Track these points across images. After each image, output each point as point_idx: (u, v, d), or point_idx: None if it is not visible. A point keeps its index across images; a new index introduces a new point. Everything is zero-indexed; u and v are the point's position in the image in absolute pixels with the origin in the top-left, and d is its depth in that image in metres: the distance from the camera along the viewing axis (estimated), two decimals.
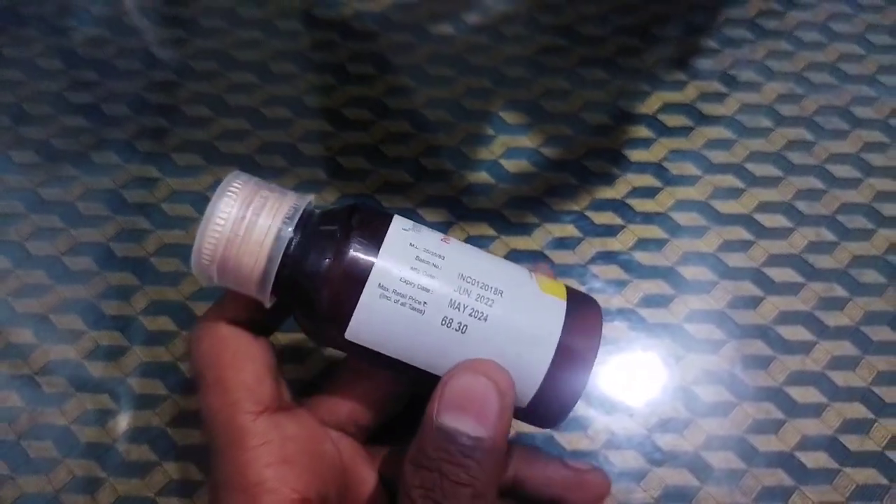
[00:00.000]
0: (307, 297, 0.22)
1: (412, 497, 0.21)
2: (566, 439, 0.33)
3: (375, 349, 0.22)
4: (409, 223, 0.23)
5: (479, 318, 0.22)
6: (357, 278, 0.22)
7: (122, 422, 0.33)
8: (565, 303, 0.23)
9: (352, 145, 0.39)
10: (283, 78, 0.42)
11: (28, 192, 0.38)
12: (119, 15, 0.44)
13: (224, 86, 0.42)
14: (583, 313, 0.23)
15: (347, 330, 0.22)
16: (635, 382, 0.34)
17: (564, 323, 0.23)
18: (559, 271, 0.36)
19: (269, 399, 0.23)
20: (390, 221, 0.23)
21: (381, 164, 0.39)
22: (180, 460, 0.32)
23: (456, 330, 0.22)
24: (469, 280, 0.22)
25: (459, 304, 0.22)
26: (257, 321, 0.25)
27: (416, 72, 0.42)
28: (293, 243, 0.22)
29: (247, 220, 0.22)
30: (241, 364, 0.24)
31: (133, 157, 0.39)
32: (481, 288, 0.22)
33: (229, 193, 0.22)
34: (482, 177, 0.39)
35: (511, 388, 0.22)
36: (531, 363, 0.22)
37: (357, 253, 0.22)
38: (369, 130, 0.40)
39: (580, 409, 0.33)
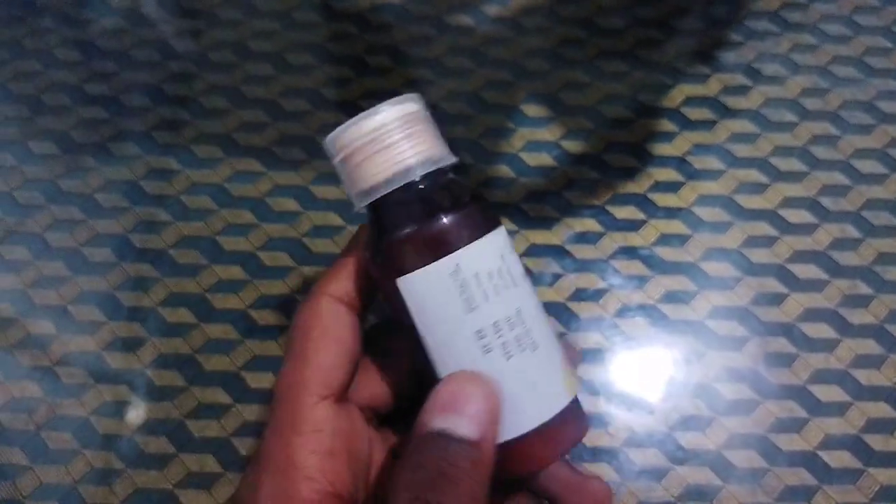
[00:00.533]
0: (392, 230, 0.23)
1: (402, 499, 0.20)
2: (587, 436, 0.33)
3: (410, 310, 0.22)
4: (509, 238, 0.24)
5: (504, 354, 0.22)
6: (446, 244, 0.22)
7: (141, 413, 0.33)
8: (570, 400, 0.24)
9: None
10: (300, 69, 0.42)
11: (47, 184, 0.38)
12: (136, 6, 0.44)
13: (241, 77, 0.41)
14: (574, 421, 0.24)
15: (404, 278, 0.22)
16: (657, 379, 0.34)
17: (557, 414, 0.23)
18: (579, 266, 0.36)
19: (337, 387, 0.23)
20: (498, 225, 0.24)
21: None
22: (198, 452, 0.32)
23: (481, 347, 0.22)
24: (520, 318, 0.23)
25: (500, 330, 0.22)
26: (356, 296, 0.25)
27: (434, 64, 0.41)
28: (416, 185, 0.23)
29: (394, 139, 0.22)
30: (326, 344, 0.24)
31: (152, 148, 0.39)
32: (525, 332, 0.23)
33: (399, 109, 0.23)
34: (502, 170, 0.38)
35: (498, 401, 0.22)
36: (511, 423, 0.23)
37: (461, 224, 0.22)
38: None
39: (601, 405, 0.33)
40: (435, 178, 0.23)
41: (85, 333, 0.35)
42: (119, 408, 0.33)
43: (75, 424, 0.33)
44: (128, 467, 0.32)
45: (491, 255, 0.23)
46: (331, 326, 0.24)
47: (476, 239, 0.22)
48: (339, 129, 0.23)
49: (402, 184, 0.22)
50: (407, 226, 0.22)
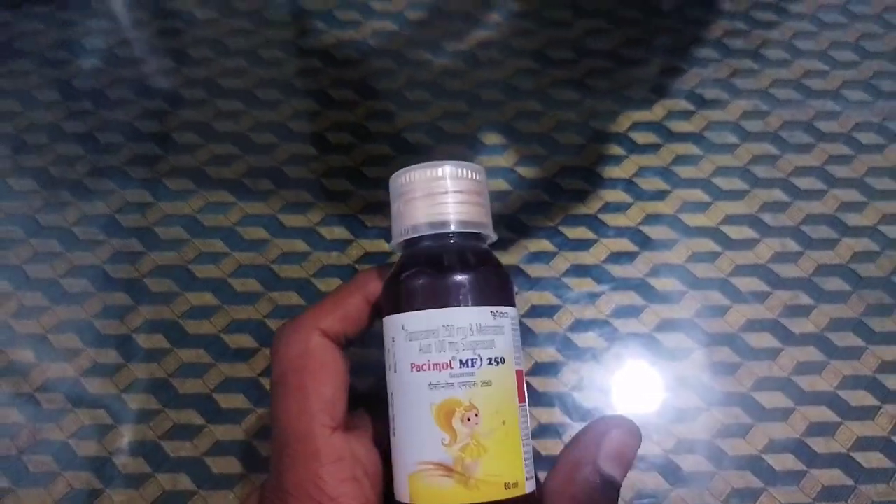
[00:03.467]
0: (408, 269, 0.25)
1: None
2: (541, 445, 0.34)
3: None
4: (492, 323, 0.25)
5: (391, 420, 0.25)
6: (396, 300, 0.24)
7: (118, 436, 0.35)
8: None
9: (335, 168, 0.41)
10: (268, 104, 0.44)
11: (27, 218, 0.40)
12: (111, 46, 0.46)
13: (212, 113, 0.43)
14: None
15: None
16: (608, 390, 0.35)
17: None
18: (534, 284, 0.38)
19: (341, 417, 0.24)
20: (488, 313, 0.24)
21: (362, 185, 0.41)
22: (172, 472, 0.34)
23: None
24: (391, 402, 0.24)
25: (388, 402, 0.25)
26: (343, 335, 0.26)
27: (395, 97, 0.44)
28: (441, 242, 0.25)
29: (449, 193, 0.25)
30: (325, 377, 0.25)
31: (127, 183, 0.41)
32: (392, 415, 0.24)
33: (459, 171, 0.25)
34: None
35: None
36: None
37: (460, 290, 0.24)
38: (351, 153, 0.42)
39: (555, 416, 0.35)
40: (468, 240, 0.25)
41: (64, 360, 0.36)
42: (98, 431, 0.35)
43: (55, 448, 0.34)
44: (106, 488, 0.34)
45: (388, 333, 0.25)
46: (326, 362, 0.25)
47: (455, 304, 0.24)
48: (402, 170, 0.25)
49: (431, 233, 0.25)
50: (405, 271, 0.25)
